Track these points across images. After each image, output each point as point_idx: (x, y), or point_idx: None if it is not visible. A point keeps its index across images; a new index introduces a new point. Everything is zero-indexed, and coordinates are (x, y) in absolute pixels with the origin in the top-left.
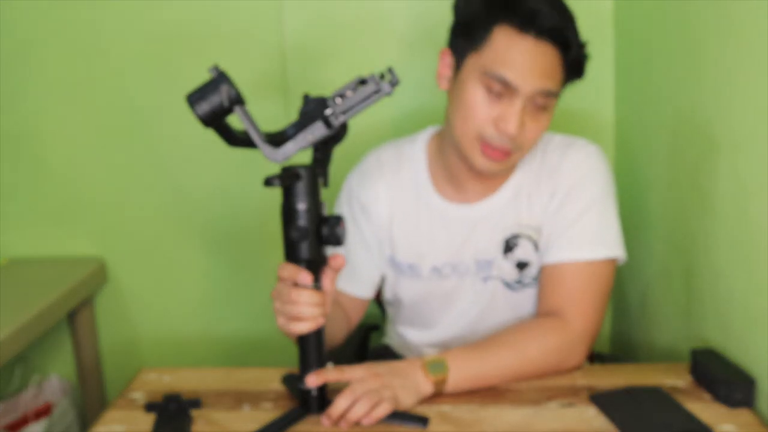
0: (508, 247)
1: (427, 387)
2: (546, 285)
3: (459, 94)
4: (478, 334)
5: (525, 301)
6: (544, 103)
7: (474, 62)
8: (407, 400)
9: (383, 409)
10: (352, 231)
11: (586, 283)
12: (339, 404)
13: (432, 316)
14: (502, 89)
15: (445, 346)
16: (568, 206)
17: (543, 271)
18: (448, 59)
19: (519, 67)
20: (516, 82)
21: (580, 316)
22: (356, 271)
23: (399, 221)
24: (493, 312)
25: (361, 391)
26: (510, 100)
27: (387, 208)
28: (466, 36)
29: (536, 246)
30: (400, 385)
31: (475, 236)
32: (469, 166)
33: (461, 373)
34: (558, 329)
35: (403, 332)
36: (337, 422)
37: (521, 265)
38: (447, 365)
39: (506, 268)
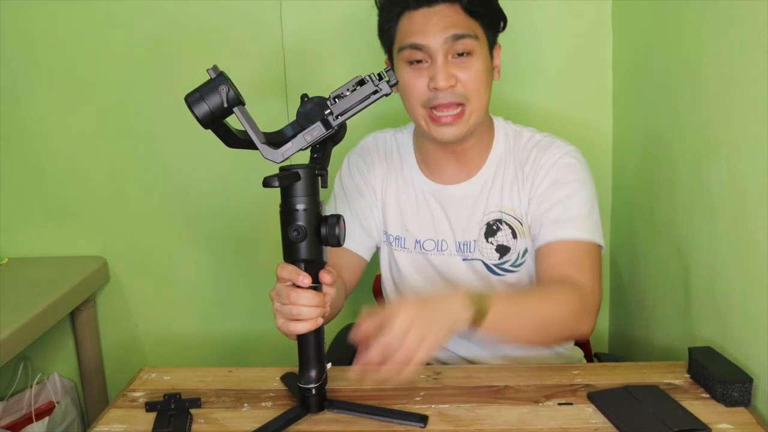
0: (491, 230)
1: (464, 314)
2: (543, 262)
3: (399, 86)
4: None
5: (514, 284)
6: (463, 48)
7: (396, 53)
8: (439, 334)
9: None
10: (354, 196)
11: (581, 257)
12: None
13: (427, 293)
14: (418, 54)
15: None
16: (549, 199)
17: (537, 253)
18: (390, 67)
19: (421, 30)
20: (424, 41)
21: (588, 281)
22: (355, 231)
23: (391, 195)
24: None
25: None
26: (431, 63)
27: (381, 181)
28: (385, 39)
29: (514, 234)
30: (437, 321)
31: (454, 217)
32: (438, 145)
33: (497, 314)
34: (575, 291)
35: None
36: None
37: (501, 249)
38: (488, 304)
39: (487, 250)
